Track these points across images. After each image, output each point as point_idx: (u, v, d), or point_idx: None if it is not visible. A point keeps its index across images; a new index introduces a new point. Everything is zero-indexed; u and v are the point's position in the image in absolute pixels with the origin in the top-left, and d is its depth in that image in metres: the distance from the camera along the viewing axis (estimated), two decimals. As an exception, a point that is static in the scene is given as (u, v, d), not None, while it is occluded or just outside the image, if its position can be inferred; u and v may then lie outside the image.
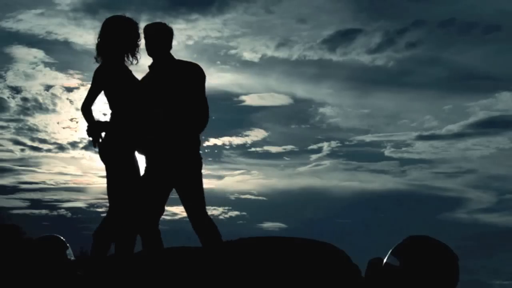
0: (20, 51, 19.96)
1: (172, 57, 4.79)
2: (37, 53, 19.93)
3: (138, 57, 4.84)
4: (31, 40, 19.89)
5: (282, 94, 21.75)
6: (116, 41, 4.72)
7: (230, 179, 21.29)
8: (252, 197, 20.37)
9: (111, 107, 4.77)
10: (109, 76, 4.70)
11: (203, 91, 4.74)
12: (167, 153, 4.61)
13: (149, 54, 4.77)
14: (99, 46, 4.77)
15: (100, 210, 17.69)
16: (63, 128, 20.08)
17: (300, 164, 22.22)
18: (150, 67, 4.79)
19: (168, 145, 4.61)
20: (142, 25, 4.81)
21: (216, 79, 20.74)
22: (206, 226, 4.70)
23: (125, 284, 4.72)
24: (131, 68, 4.85)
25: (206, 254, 4.68)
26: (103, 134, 4.77)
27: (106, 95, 4.77)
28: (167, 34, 4.76)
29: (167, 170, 4.62)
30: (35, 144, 19.71)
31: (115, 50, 4.73)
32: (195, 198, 4.67)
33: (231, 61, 21.22)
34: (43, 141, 19.94)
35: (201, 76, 4.76)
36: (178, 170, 4.62)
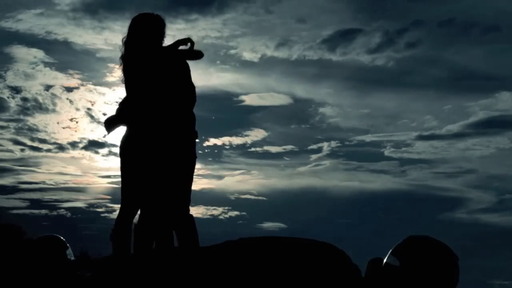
0: (20, 51, 19.97)
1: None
2: (37, 53, 19.94)
3: None
4: (31, 40, 19.91)
5: (282, 94, 21.77)
6: (145, 37, 4.71)
7: (230, 179, 21.30)
8: (252, 197, 20.38)
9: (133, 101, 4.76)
10: (134, 68, 4.71)
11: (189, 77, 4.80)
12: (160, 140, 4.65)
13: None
14: (128, 43, 4.75)
15: (100, 210, 17.73)
16: (63, 128, 20.10)
17: (300, 164, 22.23)
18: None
19: (160, 132, 4.64)
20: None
21: (216, 79, 20.78)
22: (186, 224, 4.70)
23: (129, 283, 4.73)
24: None
25: (181, 255, 4.69)
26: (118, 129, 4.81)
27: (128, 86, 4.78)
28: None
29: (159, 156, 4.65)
30: (35, 144, 19.73)
31: (143, 45, 4.71)
32: (181, 191, 4.68)
33: (231, 61, 21.23)
34: (43, 141, 19.95)
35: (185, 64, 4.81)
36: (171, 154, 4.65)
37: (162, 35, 4.78)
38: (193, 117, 4.82)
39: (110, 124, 4.85)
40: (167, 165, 4.65)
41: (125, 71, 4.76)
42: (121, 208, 4.77)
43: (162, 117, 4.64)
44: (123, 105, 4.85)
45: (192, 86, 4.79)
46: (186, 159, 4.73)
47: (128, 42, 4.74)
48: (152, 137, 4.63)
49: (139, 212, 4.78)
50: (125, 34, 4.79)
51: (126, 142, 4.75)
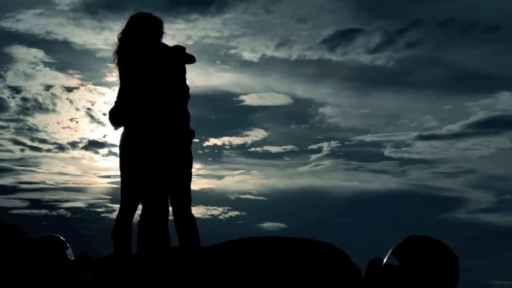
0: (20, 51, 19.98)
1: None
2: (37, 53, 19.95)
3: None
4: (30, 40, 19.92)
5: (282, 94, 21.77)
6: (143, 34, 4.73)
7: (230, 179, 21.29)
8: (252, 197, 20.38)
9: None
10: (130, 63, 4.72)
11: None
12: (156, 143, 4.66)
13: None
14: (124, 38, 4.76)
15: (100, 210, 17.74)
16: (63, 128, 20.11)
17: (300, 164, 22.23)
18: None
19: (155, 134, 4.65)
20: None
21: (216, 79, 20.81)
22: (186, 223, 4.71)
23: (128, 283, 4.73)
24: None
25: (182, 255, 4.70)
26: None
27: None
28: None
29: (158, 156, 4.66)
30: (35, 144, 19.74)
31: (140, 42, 4.73)
32: (181, 190, 4.70)
33: (230, 61, 21.24)
34: (43, 141, 19.96)
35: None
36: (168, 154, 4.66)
37: (159, 35, 4.81)
38: (188, 115, 4.84)
39: (116, 119, 4.85)
40: (166, 163, 4.65)
41: (119, 66, 4.78)
42: (120, 207, 4.80)
43: (158, 113, 4.65)
44: (118, 104, 4.84)
45: (186, 86, 4.81)
46: (183, 157, 4.75)
47: (124, 38, 4.77)
48: (150, 135, 4.64)
49: (140, 211, 4.79)
50: (121, 31, 4.82)
51: (124, 141, 4.76)
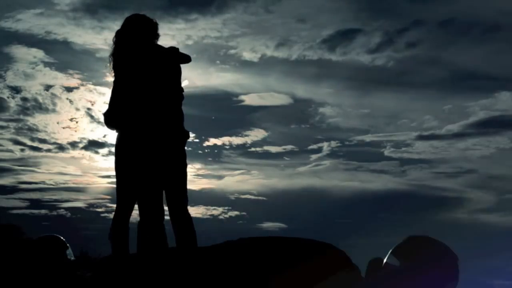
0: (20, 51, 19.96)
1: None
2: (37, 53, 19.93)
3: None
4: (30, 40, 19.90)
5: (282, 94, 21.76)
6: (138, 35, 4.74)
7: (230, 179, 21.28)
8: (252, 197, 20.37)
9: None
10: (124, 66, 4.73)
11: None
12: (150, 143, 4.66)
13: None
14: (117, 41, 4.77)
15: (99, 210, 17.73)
16: (63, 128, 20.09)
17: (300, 164, 22.22)
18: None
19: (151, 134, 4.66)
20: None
21: (216, 79, 20.79)
22: (183, 223, 4.71)
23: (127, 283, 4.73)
24: None
25: (178, 254, 4.70)
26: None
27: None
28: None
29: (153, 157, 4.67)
30: (35, 144, 19.73)
31: (136, 43, 4.74)
32: (176, 190, 4.71)
33: (230, 61, 21.22)
34: (43, 141, 19.95)
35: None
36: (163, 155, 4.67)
37: (154, 37, 4.81)
38: (182, 115, 4.84)
39: (112, 121, 4.86)
40: (160, 163, 4.66)
41: (115, 68, 4.78)
42: (116, 208, 4.80)
43: (153, 114, 4.65)
44: (111, 106, 4.84)
45: (180, 87, 4.81)
46: (178, 157, 4.75)
47: (119, 40, 4.77)
48: (145, 136, 4.65)
49: (138, 211, 4.79)
50: (116, 32, 4.83)
51: (120, 141, 4.76)
